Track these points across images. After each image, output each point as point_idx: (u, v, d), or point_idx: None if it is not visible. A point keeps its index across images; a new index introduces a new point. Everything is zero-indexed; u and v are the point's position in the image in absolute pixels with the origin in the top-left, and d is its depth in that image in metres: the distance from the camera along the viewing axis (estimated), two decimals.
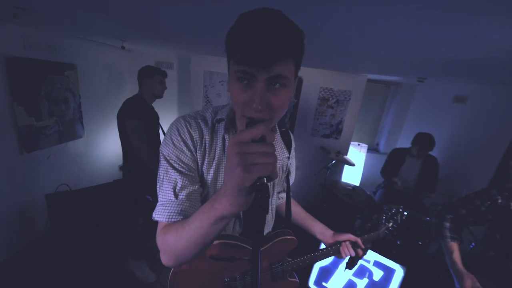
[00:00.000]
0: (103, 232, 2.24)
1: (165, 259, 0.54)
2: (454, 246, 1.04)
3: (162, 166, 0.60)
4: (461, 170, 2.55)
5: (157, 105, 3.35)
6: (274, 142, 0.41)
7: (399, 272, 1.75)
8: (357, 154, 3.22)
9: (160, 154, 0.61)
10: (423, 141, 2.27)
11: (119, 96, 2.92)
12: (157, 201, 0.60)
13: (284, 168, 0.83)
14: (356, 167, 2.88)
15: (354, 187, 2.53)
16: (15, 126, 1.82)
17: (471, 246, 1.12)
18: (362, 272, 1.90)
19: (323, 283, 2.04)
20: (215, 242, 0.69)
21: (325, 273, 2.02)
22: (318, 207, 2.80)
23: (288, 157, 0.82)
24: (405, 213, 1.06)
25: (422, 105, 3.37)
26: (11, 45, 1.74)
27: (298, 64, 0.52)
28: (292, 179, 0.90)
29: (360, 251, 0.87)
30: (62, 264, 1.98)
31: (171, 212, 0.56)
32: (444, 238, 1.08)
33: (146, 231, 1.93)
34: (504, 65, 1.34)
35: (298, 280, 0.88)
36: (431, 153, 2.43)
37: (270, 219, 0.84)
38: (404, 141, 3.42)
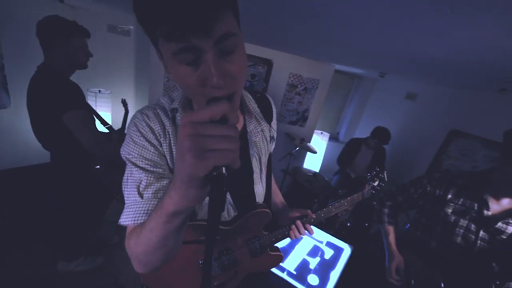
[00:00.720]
0: (26, 225, 1.87)
1: (135, 266, 0.50)
2: (390, 229, 1.17)
3: (127, 168, 0.55)
4: (405, 159, 2.87)
5: (111, 82, 2.96)
6: (241, 121, 0.33)
7: (347, 251, 1.94)
8: (319, 142, 3.37)
9: (122, 156, 0.55)
10: (382, 135, 2.46)
11: None
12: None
13: (269, 139, 0.76)
14: (317, 154, 3.02)
15: (315, 173, 2.66)
16: None
17: (406, 227, 1.27)
18: (315, 252, 2.06)
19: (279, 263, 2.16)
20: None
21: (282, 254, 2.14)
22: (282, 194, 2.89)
23: (270, 127, 0.75)
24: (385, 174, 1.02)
25: (380, 99, 3.64)
26: None
27: (237, 14, 0.42)
28: (272, 145, 0.82)
29: (309, 228, 0.82)
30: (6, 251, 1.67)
31: (136, 213, 0.50)
32: (383, 222, 1.20)
33: (72, 224, 1.62)
34: (454, 67, 1.47)
35: (282, 254, 0.84)
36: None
37: (261, 192, 0.77)
38: (362, 131, 3.69)
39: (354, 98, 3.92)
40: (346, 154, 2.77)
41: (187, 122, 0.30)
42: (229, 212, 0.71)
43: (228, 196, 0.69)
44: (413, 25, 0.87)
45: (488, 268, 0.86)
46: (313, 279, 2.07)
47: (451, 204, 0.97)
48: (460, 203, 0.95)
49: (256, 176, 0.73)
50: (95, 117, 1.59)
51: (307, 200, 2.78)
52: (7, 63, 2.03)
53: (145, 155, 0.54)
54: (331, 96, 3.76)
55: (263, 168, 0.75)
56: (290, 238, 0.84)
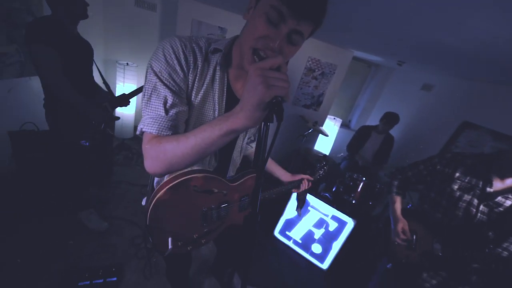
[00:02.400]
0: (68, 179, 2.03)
1: (154, 165, 0.56)
2: (397, 198, 1.32)
3: (150, 81, 0.60)
4: (415, 148, 2.96)
5: (138, 55, 3.08)
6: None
7: (350, 224, 2.12)
8: (331, 126, 3.47)
9: (149, 68, 0.60)
10: (389, 117, 2.57)
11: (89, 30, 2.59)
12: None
13: None
14: (328, 138, 3.14)
15: (325, 155, 2.80)
16: None
17: (408, 207, 1.41)
18: (321, 224, 2.25)
19: (287, 232, 2.37)
20: (199, 174, 0.74)
21: (290, 224, 2.34)
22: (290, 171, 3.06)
23: None
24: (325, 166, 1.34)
25: (395, 89, 3.66)
26: None
27: (313, 32, 0.57)
28: None
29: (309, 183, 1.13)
30: (24, 207, 1.87)
31: (161, 126, 0.58)
32: (391, 192, 1.35)
33: (82, 179, 1.78)
34: (473, 58, 1.53)
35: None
36: (391, 132, 2.77)
37: (237, 158, 0.92)
38: (373, 121, 3.75)
39: (370, 86, 3.94)
40: (356, 140, 2.87)
41: (258, 67, 0.44)
42: (210, 159, 0.82)
43: None
44: (438, 12, 0.96)
45: (484, 235, 1.00)
46: (316, 248, 2.28)
47: (458, 181, 1.07)
48: (466, 180, 1.05)
49: (239, 142, 0.86)
50: (98, 69, 1.68)
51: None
52: None
53: (174, 78, 0.60)
54: (346, 83, 3.80)
55: (246, 138, 0.88)
56: (299, 189, 1.10)
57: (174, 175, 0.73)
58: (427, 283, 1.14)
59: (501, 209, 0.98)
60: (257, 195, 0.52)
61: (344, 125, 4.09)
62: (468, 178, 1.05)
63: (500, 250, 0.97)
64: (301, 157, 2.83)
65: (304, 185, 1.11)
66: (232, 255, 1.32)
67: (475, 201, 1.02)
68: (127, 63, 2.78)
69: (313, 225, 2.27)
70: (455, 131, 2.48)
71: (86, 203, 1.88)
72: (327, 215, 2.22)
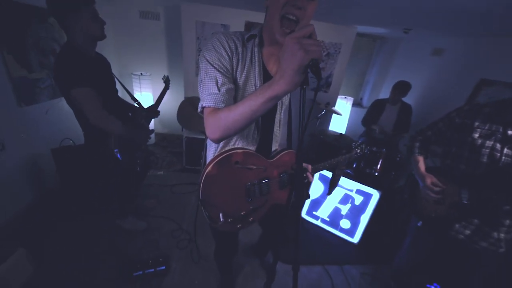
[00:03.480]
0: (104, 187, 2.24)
1: (213, 131, 0.68)
2: (420, 158, 1.35)
3: (203, 68, 0.74)
4: (433, 114, 2.90)
5: (149, 64, 3.25)
6: None
7: (375, 196, 2.16)
8: (344, 105, 3.48)
9: (201, 58, 0.75)
10: (399, 85, 2.56)
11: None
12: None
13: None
14: (342, 117, 3.16)
15: (341, 134, 2.83)
16: (10, 77, 1.77)
17: (418, 224, 1.33)
18: (346, 199, 2.30)
19: (313, 212, 2.45)
20: (240, 150, 0.85)
21: (316, 204, 2.42)
22: (305, 154, 3.12)
23: None
24: (367, 148, 1.36)
25: (404, 59, 3.59)
26: None
27: None
28: None
29: (309, 176, 1.04)
30: (71, 217, 2.07)
31: (216, 100, 0.70)
32: (414, 153, 1.38)
33: (121, 193, 1.87)
34: (479, 12, 1.51)
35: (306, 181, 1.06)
36: (407, 101, 2.74)
37: (277, 132, 1.00)
38: (385, 95, 3.71)
39: (377, 61, 3.88)
40: (370, 115, 2.87)
41: (293, 37, 0.52)
42: (254, 132, 0.92)
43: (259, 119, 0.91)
44: None
45: (510, 177, 1.02)
46: (345, 223, 2.34)
47: (478, 129, 1.08)
48: (486, 128, 1.07)
49: (277, 115, 0.96)
50: (126, 92, 1.74)
51: (336, 155, 2.99)
52: None
53: (222, 61, 0.74)
54: (353, 61, 3.76)
55: (282, 109, 0.97)
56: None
57: (218, 153, 0.85)
58: (460, 234, 1.18)
59: None
60: (301, 177, 0.66)
61: (356, 104, 4.07)
62: (488, 125, 1.07)
63: None
64: (318, 140, 2.88)
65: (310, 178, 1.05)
66: (276, 236, 1.39)
67: (498, 146, 1.04)
68: (141, 73, 2.95)
69: (338, 201, 2.33)
70: (472, 91, 2.43)
71: (123, 211, 1.99)
72: (351, 190, 2.27)
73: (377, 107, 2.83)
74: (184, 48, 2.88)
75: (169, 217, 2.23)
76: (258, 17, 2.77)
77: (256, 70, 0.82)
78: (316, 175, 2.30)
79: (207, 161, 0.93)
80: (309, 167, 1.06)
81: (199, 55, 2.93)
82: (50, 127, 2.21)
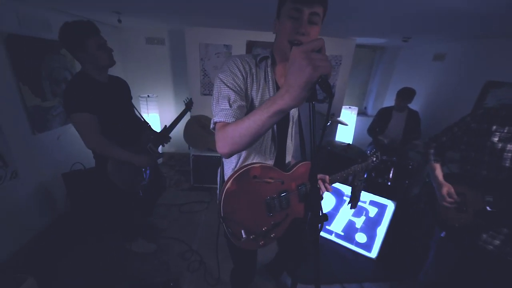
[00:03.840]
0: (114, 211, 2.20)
1: (221, 145, 0.68)
2: (437, 165, 1.30)
3: (217, 87, 0.78)
4: (441, 119, 2.86)
5: (155, 87, 3.37)
6: None
7: (390, 206, 2.07)
8: (349, 115, 3.46)
9: (217, 78, 0.79)
10: (403, 92, 2.54)
11: None
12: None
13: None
14: (348, 127, 3.13)
15: (348, 144, 2.79)
16: (24, 107, 1.84)
17: (442, 235, 1.27)
18: (360, 212, 2.21)
19: (327, 227, 2.35)
20: (257, 164, 0.87)
21: (328, 218, 2.33)
22: (321, 166, 3.07)
23: None
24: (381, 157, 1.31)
25: (405, 67, 3.60)
26: (6, 23, 1.70)
27: (325, 11, 0.76)
28: None
29: (328, 186, 1.03)
30: (81, 241, 2.06)
31: (227, 115, 0.72)
32: (429, 161, 1.33)
33: (125, 217, 1.87)
34: (479, 14, 1.53)
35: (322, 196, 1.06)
36: (413, 108, 2.71)
37: (290, 144, 1.02)
38: (389, 104, 3.70)
39: (378, 70, 3.91)
40: (376, 124, 2.83)
41: (302, 51, 0.48)
42: (270, 146, 0.94)
43: (275, 130, 0.94)
44: None
45: None
46: (360, 237, 2.23)
47: (497, 133, 1.05)
48: (505, 131, 1.03)
49: (289, 129, 0.99)
50: (135, 108, 1.71)
51: (342, 167, 2.93)
52: None
53: (236, 81, 0.79)
54: (354, 71, 3.81)
55: (294, 125, 1.01)
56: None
57: (236, 169, 0.87)
58: (489, 244, 1.10)
59: None
60: (317, 195, 0.63)
61: (361, 113, 4.05)
62: (506, 128, 1.04)
63: None
64: (325, 151, 2.85)
65: (322, 188, 1.03)
66: (293, 255, 1.36)
67: None
68: (148, 95, 3.04)
69: (352, 214, 2.24)
70: (480, 93, 2.39)
71: (132, 234, 1.97)
72: (364, 202, 2.19)
73: (384, 115, 2.80)
74: (189, 69, 2.98)
75: (179, 238, 2.19)
76: (259, 36, 2.87)
77: (270, 87, 0.87)
78: None
79: (225, 178, 0.94)
80: (327, 177, 1.06)
81: (203, 75, 3.04)
82: (62, 152, 2.26)
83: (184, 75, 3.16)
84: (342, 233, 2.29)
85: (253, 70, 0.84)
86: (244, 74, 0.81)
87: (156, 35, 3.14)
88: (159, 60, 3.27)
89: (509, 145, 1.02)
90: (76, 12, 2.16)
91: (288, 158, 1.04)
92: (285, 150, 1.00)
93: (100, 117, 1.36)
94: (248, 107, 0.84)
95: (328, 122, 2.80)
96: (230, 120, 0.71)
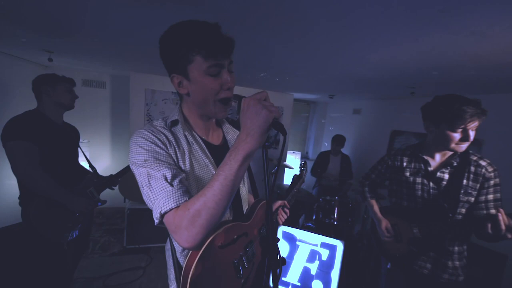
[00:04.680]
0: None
1: (192, 233, 0.54)
2: (373, 202, 1.45)
3: (140, 174, 0.61)
4: (367, 159, 3.38)
5: (88, 129, 2.99)
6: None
7: (339, 247, 2.12)
8: (293, 160, 3.73)
9: (132, 164, 0.63)
10: (338, 139, 2.99)
11: None
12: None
13: None
14: (294, 170, 3.33)
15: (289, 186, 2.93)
16: None
17: (388, 266, 1.39)
18: (313, 256, 2.18)
19: (283, 279, 2.20)
20: (220, 231, 0.71)
21: (283, 270, 2.20)
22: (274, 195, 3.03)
23: None
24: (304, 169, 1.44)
25: (334, 118, 4.31)
26: None
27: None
28: None
29: (287, 210, 1.07)
30: None
31: (176, 198, 0.57)
32: (366, 198, 1.49)
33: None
34: (380, 81, 2.03)
35: (278, 237, 1.00)
36: (345, 152, 3.16)
37: (244, 192, 0.95)
38: (326, 148, 4.22)
39: (314, 120, 4.54)
40: (317, 165, 3.16)
41: (254, 99, 0.55)
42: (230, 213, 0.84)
43: None
44: (348, 51, 1.32)
45: (442, 207, 1.16)
46: (317, 285, 2.14)
47: (407, 169, 1.28)
48: (412, 166, 1.27)
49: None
50: (83, 153, 1.70)
51: (292, 212, 2.98)
52: None
53: (159, 157, 0.63)
54: (295, 121, 4.31)
55: (246, 182, 0.97)
56: (279, 222, 1.08)
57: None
58: (424, 268, 1.21)
59: (444, 182, 1.19)
60: (270, 218, 0.58)
61: (303, 157, 4.44)
62: (412, 164, 1.28)
63: (456, 215, 1.14)
64: (275, 195, 2.89)
65: (280, 218, 1.05)
66: None
67: (425, 181, 1.22)
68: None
69: (306, 260, 2.18)
70: (389, 139, 2.99)
71: None
72: (316, 245, 2.19)
73: (323, 158, 3.15)
74: (132, 114, 2.80)
75: None
76: None
77: (199, 151, 0.75)
78: (279, 234, 2.19)
79: (180, 261, 0.76)
80: (285, 202, 1.06)
81: (148, 120, 2.89)
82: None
83: (126, 119, 2.93)
84: (299, 284, 2.16)
85: (171, 138, 0.70)
86: (163, 146, 0.66)
87: (95, 78, 2.95)
88: (97, 103, 3.00)
89: (417, 178, 1.24)
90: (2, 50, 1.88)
91: (245, 206, 0.96)
92: (241, 199, 0.92)
93: (44, 150, 1.31)
94: None
95: (275, 167, 2.93)
96: (182, 200, 0.58)
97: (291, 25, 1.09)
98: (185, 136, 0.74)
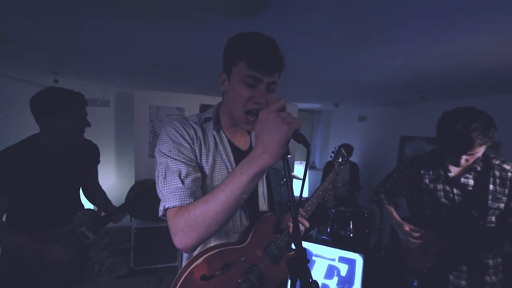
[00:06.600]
0: None
1: (186, 236, 0.54)
2: (391, 209, 1.38)
3: (161, 163, 0.64)
4: (375, 167, 3.31)
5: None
6: None
7: (359, 261, 2.00)
8: (301, 170, 3.66)
9: (157, 151, 0.66)
10: (345, 149, 2.92)
11: None
12: None
13: None
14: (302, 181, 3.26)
15: (305, 198, 2.84)
16: None
17: (414, 284, 1.27)
18: (331, 272, 2.05)
19: None
20: (200, 259, 0.66)
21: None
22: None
23: None
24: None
25: (339, 126, 4.28)
26: None
27: (280, 76, 0.71)
28: None
29: (304, 221, 0.92)
30: None
31: (182, 196, 0.58)
32: (383, 205, 1.41)
33: None
34: (389, 87, 2.00)
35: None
36: (353, 161, 3.09)
37: (263, 206, 0.86)
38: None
39: (318, 130, 4.51)
40: (326, 175, 3.08)
41: (273, 111, 0.50)
42: (241, 219, 0.78)
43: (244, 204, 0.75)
44: (352, 57, 1.30)
45: (471, 215, 1.07)
46: None
47: (426, 175, 1.22)
48: (431, 173, 1.21)
49: (260, 189, 0.86)
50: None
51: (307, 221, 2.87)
52: None
53: (183, 151, 0.66)
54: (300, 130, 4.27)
55: (264, 182, 0.89)
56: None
57: (179, 274, 0.64)
58: (458, 287, 1.11)
59: (469, 188, 1.11)
60: (298, 230, 0.51)
61: (311, 167, 4.36)
62: (431, 171, 1.21)
63: (487, 223, 1.06)
64: (285, 207, 2.80)
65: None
66: None
67: (447, 187, 1.15)
68: None
69: (324, 276, 2.06)
70: (399, 145, 2.93)
71: None
72: (333, 259, 2.08)
73: (330, 167, 3.07)
74: (136, 130, 2.79)
75: None
76: (212, 100, 3.03)
77: (223, 151, 0.75)
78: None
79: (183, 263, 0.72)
80: (301, 211, 0.94)
81: (152, 136, 2.87)
82: None
83: (131, 136, 2.92)
84: None
85: (199, 134, 0.72)
86: (190, 141, 0.69)
87: (100, 96, 2.97)
88: (102, 122, 3.00)
89: (438, 185, 1.17)
90: (8, 73, 1.90)
91: (262, 205, 0.86)
92: (259, 217, 0.83)
93: (25, 189, 1.08)
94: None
95: (284, 179, 2.86)
96: (187, 201, 0.58)
97: (307, 37, 1.07)
98: (214, 135, 0.75)
